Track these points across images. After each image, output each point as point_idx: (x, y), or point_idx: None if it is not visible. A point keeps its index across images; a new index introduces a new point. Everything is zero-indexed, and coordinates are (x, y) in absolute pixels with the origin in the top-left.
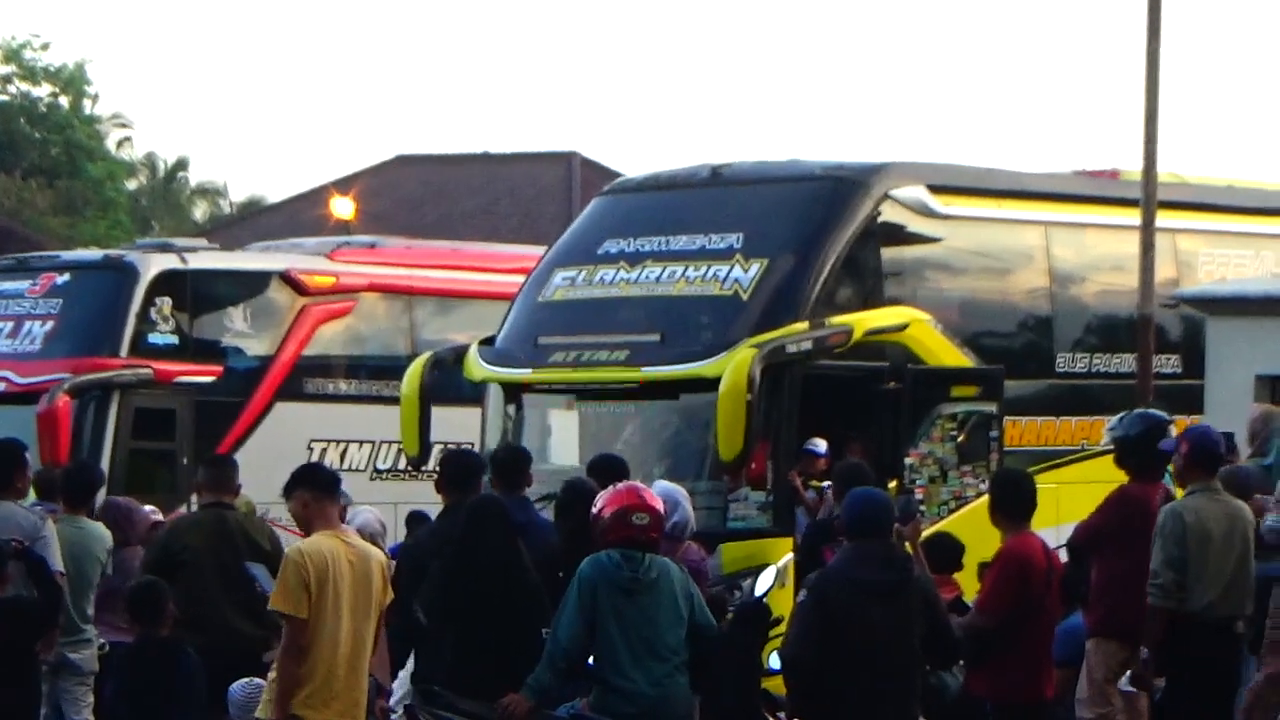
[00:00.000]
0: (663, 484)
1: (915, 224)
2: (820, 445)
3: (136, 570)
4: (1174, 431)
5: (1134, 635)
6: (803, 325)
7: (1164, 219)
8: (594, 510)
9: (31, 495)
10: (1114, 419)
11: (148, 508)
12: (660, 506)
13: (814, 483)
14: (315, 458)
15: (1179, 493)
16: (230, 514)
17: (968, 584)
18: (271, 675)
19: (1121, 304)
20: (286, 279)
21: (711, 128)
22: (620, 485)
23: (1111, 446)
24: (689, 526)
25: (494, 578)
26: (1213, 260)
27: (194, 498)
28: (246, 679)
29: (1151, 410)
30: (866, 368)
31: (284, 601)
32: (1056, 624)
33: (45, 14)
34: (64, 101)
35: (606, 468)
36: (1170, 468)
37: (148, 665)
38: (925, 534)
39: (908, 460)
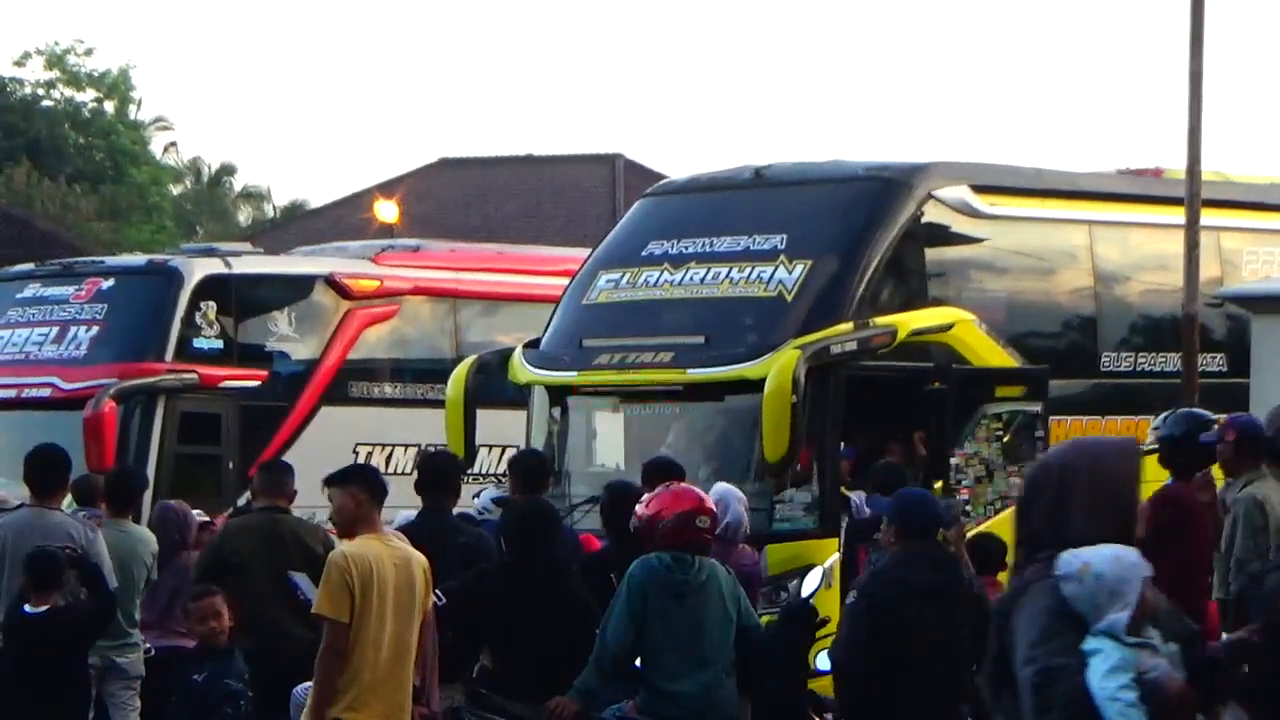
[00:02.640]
0: (721, 485)
1: (959, 224)
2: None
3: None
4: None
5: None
6: (847, 326)
7: (1208, 217)
8: (645, 511)
9: (70, 502)
10: (1158, 418)
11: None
12: (715, 509)
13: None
14: (360, 461)
15: (1219, 483)
16: (283, 518)
17: None
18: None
19: (1166, 303)
20: (331, 283)
21: (755, 129)
22: (676, 487)
23: (1156, 446)
24: (742, 528)
25: (543, 581)
26: (1257, 258)
27: (241, 501)
28: (310, 682)
29: (1195, 409)
30: (911, 368)
31: (328, 605)
32: None
33: (89, 19)
34: (108, 107)
35: (661, 470)
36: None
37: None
38: (969, 535)
39: (953, 461)
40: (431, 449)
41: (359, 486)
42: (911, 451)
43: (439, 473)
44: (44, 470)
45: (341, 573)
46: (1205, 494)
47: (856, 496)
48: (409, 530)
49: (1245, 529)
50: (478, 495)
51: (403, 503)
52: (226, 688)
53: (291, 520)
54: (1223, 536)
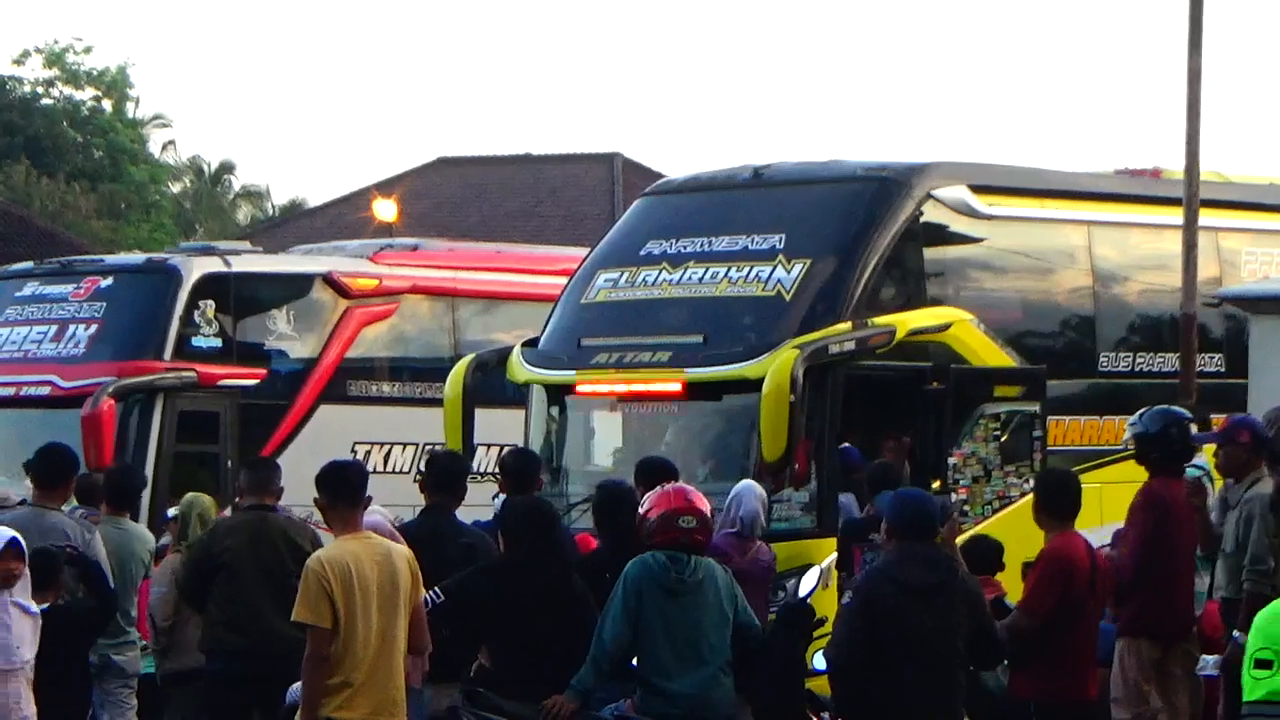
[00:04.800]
0: (743, 481)
1: (957, 224)
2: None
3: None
4: (1203, 429)
5: (1165, 633)
6: (845, 326)
7: (1206, 218)
8: (641, 511)
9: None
10: (1135, 416)
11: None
12: (707, 509)
13: None
14: (344, 459)
15: (1219, 482)
16: (271, 516)
17: (1012, 584)
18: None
19: (1164, 303)
20: (329, 281)
21: (754, 128)
22: (668, 487)
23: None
24: (757, 523)
25: (540, 579)
26: (1255, 259)
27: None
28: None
29: (1173, 407)
30: (909, 368)
31: (306, 611)
32: (1099, 624)
33: (87, 18)
34: (107, 105)
35: (654, 470)
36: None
37: None
38: (965, 535)
39: (951, 460)
40: (431, 448)
41: (320, 491)
42: (906, 452)
43: (447, 473)
44: (49, 469)
45: (318, 579)
46: (1196, 498)
47: (844, 498)
48: (410, 530)
49: (1261, 526)
50: (497, 495)
51: (403, 502)
52: None
53: (279, 518)
54: (1228, 536)
